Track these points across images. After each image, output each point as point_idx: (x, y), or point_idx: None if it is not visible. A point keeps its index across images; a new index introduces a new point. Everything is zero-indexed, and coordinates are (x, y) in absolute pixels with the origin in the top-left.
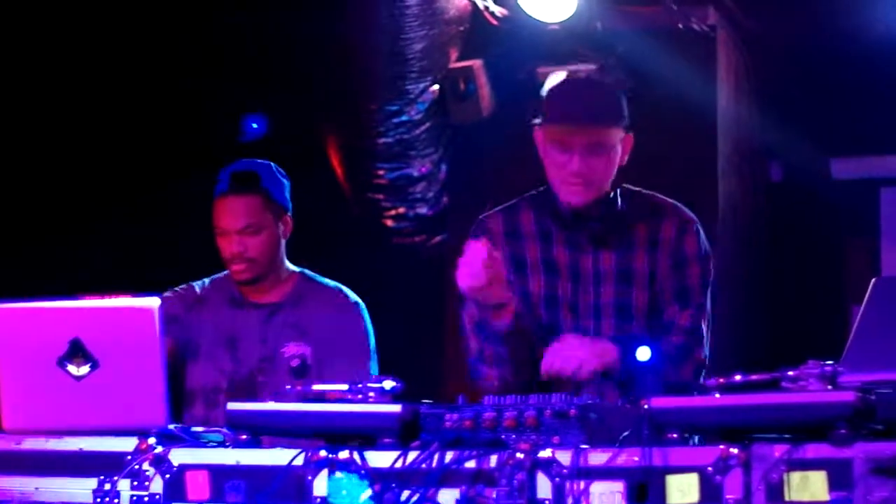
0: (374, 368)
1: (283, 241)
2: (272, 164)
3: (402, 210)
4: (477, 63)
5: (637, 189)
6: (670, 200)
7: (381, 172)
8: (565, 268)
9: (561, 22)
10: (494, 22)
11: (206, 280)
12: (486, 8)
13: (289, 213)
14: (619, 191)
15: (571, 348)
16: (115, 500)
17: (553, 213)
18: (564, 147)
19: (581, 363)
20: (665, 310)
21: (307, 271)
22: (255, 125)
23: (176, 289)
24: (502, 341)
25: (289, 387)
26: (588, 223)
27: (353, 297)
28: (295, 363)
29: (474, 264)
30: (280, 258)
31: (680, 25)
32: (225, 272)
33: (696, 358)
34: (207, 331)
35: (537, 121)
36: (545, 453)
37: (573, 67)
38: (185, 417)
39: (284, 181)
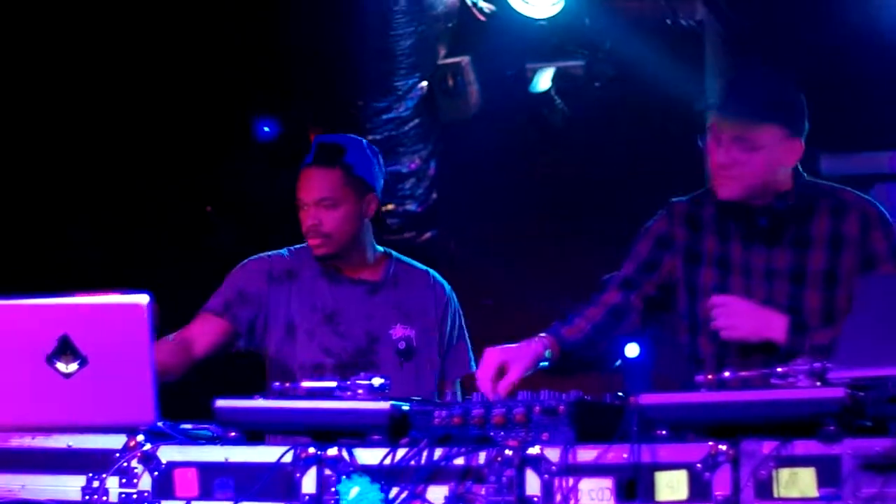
0: (471, 353)
1: (366, 220)
2: (364, 140)
3: (391, 207)
4: (465, 59)
5: (820, 182)
6: (858, 194)
7: (379, 159)
8: (738, 264)
9: (549, 18)
10: (482, 18)
11: (288, 250)
12: (475, 4)
13: (375, 192)
14: (797, 187)
15: (735, 308)
16: (104, 498)
17: (731, 209)
18: (716, 137)
19: (738, 325)
20: None
21: (393, 252)
22: (266, 128)
23: (252, 259)
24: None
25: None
26: (757, 218)
27: (442, 280)
28: (402, 346)
29: (484, 374)
30: (361, 237)
31: (668, 21)
32: (306, 243)
33: None
34: (303, 305)
35: None
36: (534, 450)
37: (562, 64)
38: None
39: (374, 159)
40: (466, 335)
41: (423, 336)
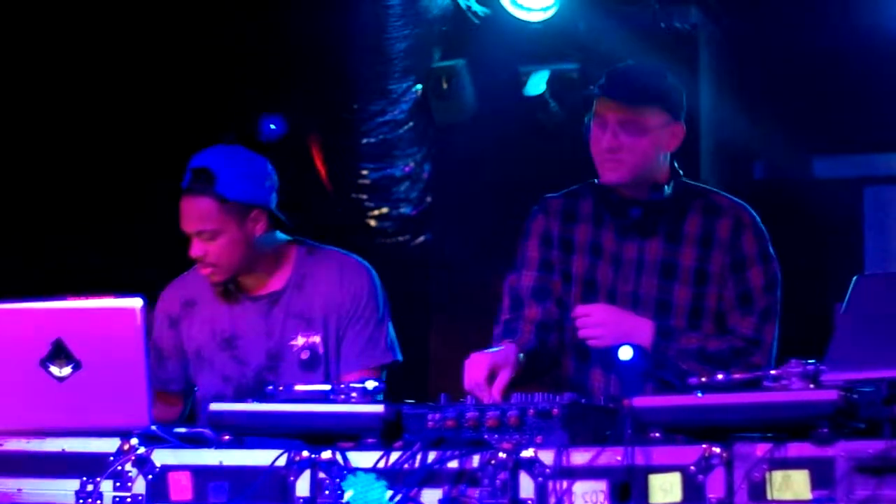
0: (389, 330)
1: (256, 238)
2: (241, 150)
3: (385, 210)
4: (460, 62)
5: (698, 184)
6: (732, 198)
7: (364, 172)
8: (609, 253)
9: (543, 21)
10: (477, 21)
11: (192, 272)
12: (469, 7)
13: (261, 207)
14: (673, 182)
15: (600, 317)
16: (98, 502)
17: (604, 198)
18: (601, 122)
19: (604, 334)
20: (728, 315)
21: (309, 242)
22: (273, 126)
23: (171, 284)
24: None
25: (272, 387)
26: (630, 209)
27: (363, 265)
28: (305, 356)
29: (477, 379)
30: (255, 256)
31: (662, 24)
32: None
33: (751, 362)
34: (204, 333)
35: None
36: (528, 453)
37: (556, 67)
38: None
39: (254, 173)
40: (381, 312)
41: (330, 338)
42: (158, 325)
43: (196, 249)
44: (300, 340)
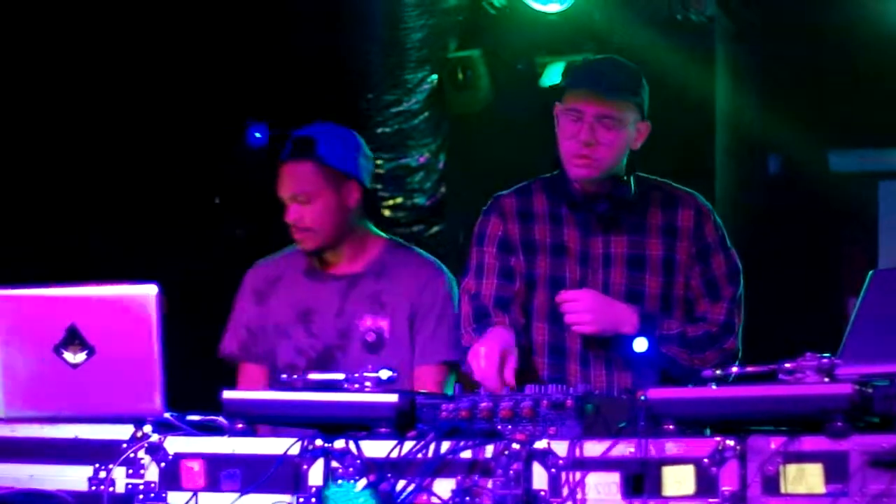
0: (452, 341)
1: (350, 209)
2: (342, 128)
3: (399, 200)
4: (475, 53)
5: (651, 177)
6: (686, 189)
7: (379, 162)
8: (574, 250)
9: (559, 12)
10: (493, 11)
11: (283, 252)
12: None
13: (355, 179)
14: (632, 177)
15: (587, 303)
16: (111, 488)
17: (565, 195)
18: (577, 116)
19: (591, 320)
20: (697, 303)
21: (398, 239)
22: (258, 134)
23: (258, 263)
24: None
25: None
26: (597, 204)
27: (443, 268)
28: (370, 337)
29: (489, 367)
30: (348, 226)
31: (678, 16)
32: (294, 246)
33: (725, 348)
34: (284, 307)
35: (560, 98)
36: (541, 444)
37: (572, 58)
38: None
39: (352, 147)
40: (450, 324)
41: (398, 326)
42: (244, 302)
43: (292, 214)
44: (368, 322)
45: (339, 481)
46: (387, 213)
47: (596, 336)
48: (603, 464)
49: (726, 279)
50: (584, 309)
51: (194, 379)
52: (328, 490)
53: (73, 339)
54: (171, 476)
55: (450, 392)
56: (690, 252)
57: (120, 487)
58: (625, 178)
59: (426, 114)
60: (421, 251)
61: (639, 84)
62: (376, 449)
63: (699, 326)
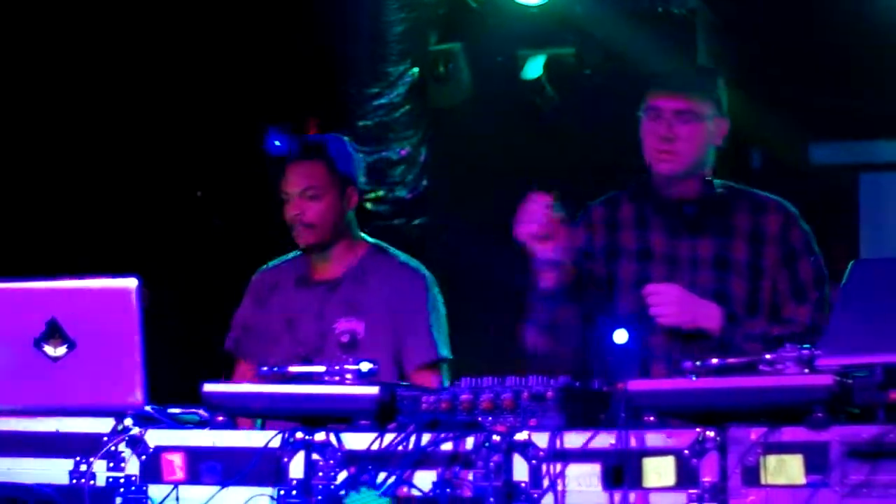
0: (439, 340)
1: (348, 213)
2: (345, 138)
3: (381, 193)
4: (456, 46)
5: (738, 185)
6: (772, 196)
7: (360, 155)
8: (660, 254)
9: (540, 5)
10: (474, 4)
11: (284, 258)
12: None
13: (355, 186)
14: (719, 182)
15: (672, 296)
16: (91, 481)
17: (652, 199)
18: (656, 114)
19: (674, 312)
20: (783, 306)
21: (382, 244)
22: (277, 142)
23: (264, 269)
24: (545, 305)
25: (266, 368)
26: (683, 207)
27: (422, 270)
28: (345, 339)
29: (534, 213)
30: (342, 229)
31: (659, 9)
32: (297, 253)
33: None
34: (276, 314)
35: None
36: (521, 435)
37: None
38: None
39: (355, 156)
40: (429, 320)
41: (373, 328)
42: (247, 302)
43: (295, 208)
44: (342, 324)
45: (361, 489)
46: (368, 206)
47: (678, 329)
48: (583, 455)
49: (812, 284)
50: (668, 301)
51: (175, 372)
52: (349, 498)
53: (54, 332)
54: (152, 469)
55: None
56: (777, 257)
57: (101, 480)
58: (708, 178)
59: (407, 107)
60: (401, 255)
61: (714, 82)
62: (357, 441)
63: (785, 327)
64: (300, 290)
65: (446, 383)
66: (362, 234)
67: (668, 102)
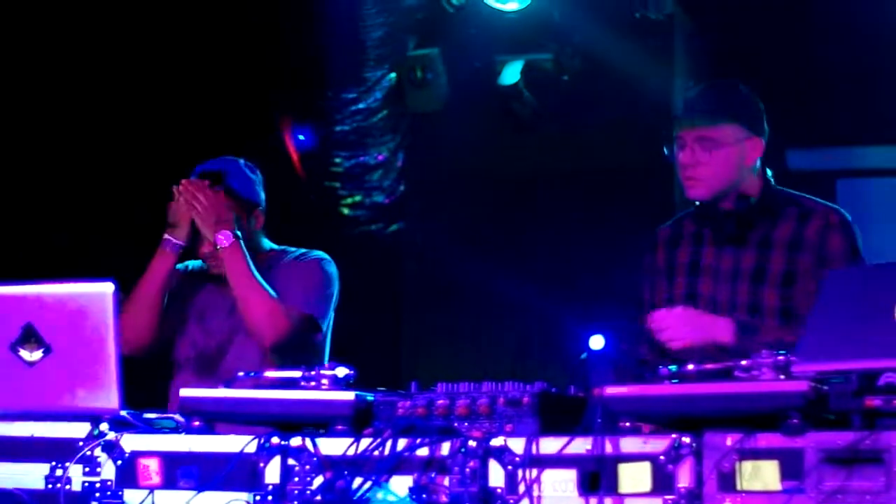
0: (322, 309)
1: (255, 233)
2: (241, 160)
3: (358, 198)
4: (434, 51)
5: (789, 190)
6: (825, 203)
7: (337, 160)
8: (708, 266)
9: (518, 10)
10: (451, 10)
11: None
12: None
13: (259, 208)
14: (762, 191)
15: (679, 319)
16: (67, 486)
17: (706, 215)
18: (681, 143)
19: (684, 335)
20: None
21: (289, 249)
22: (301, 136)
23: (184, 264)
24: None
25: (241, 373)
26: (725, 223)
27: (322, 255)
28: None
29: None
30: (254, 249)
31: (637, 14)
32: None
33: None
34: (189, 303)
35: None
36: (497, 441)
37: (530, 56)
38: (171, 387)
39: (253, 177)
40: (317, 287)
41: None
42: (176, 277)
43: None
44: None
45: (380, 492)
46: (345, 211)
47: (693, 349)
48: (559, 461)
49: None
50: (673, 325)
51: (151, 376)
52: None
53: (30, 337)
54: (128, 474)
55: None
56: (812, 263)
57: (76, 485)
58: (750, 194)
59: (385, 112)
60: (309, 251)
61: (738, 104)
62: (333, 447)
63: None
64: (209, 284)
65: (308, 341)
66: (269, 244)
67: (688, 132)
